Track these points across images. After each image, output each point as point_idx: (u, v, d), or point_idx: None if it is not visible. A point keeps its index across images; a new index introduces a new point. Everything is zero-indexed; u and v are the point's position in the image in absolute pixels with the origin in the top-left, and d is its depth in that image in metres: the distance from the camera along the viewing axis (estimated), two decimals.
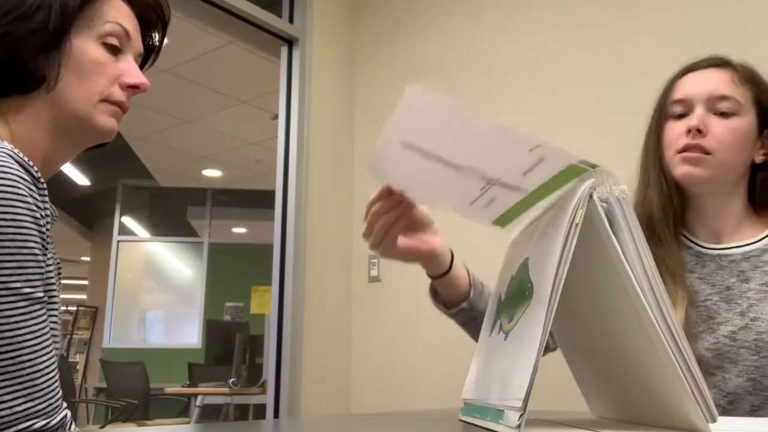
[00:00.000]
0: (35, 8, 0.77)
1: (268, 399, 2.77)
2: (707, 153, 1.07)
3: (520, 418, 0.57)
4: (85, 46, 0.80)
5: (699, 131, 1.06)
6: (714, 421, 0.61)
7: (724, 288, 1.08)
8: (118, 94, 0.83)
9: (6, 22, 0.76)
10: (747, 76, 1.11)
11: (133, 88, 0.84)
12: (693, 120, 1.07)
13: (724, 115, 1.08)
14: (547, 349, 1.17)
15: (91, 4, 0.81)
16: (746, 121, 1.09)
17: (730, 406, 1.02)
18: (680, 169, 1.09)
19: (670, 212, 1.12)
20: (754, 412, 1.01)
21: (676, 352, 0.60)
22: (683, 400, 0.60)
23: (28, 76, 0.77)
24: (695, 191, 1.13)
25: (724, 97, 1.08)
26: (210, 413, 4.92)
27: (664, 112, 1.14)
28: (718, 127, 1.07)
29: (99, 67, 0.81)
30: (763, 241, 1.10)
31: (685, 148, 1.08)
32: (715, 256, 1.12)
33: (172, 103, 5.07)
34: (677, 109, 1.12)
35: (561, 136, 2.43)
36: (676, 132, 1.10)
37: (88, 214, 8.50)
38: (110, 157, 6.25)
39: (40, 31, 0.77)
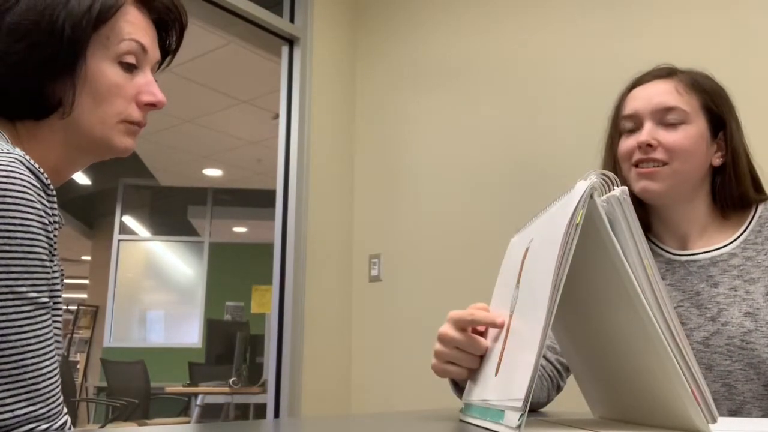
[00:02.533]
0: (48, 34, 0.75)
1: (269, 398, 2.77)
2: (660, 164, 1.09)
3: (520, 418, 0.57)
4: (101, 68, 0.78)
5: (649, 145, 1.09)
6: (714, 421, 0.61)
7: (694, 294, 1.09)
8: (136, 114, 0.82)
9: (19, 49, 0.74)
10: (692, 83, 1.13)
11: (150, 106, 0.83)
12: (642, 136, 1.10)
13: (672, 125, 1.09)
14: (568, 370, 1.17)
15: (106, 23, 0.79)
16: (696, 128, 1.10)
17: None
18: (638, 185, 1.11)
19: None
20: (732, 417, 1.01)
21: (676, 352, 0.60)
22: (683, 400, 0.60)
23: (43, 102, 0.76)
24: (656, 203, 1.14)
25: (670, 109, 1.10)
26: (210, 412, 4.93)
27: (616, 129, 1.17)
28: (668, 138, 1.09)
29: (115, 89, 0.79)
30: (730, 246, 1.11)
31: (638, 163, 1.10)
32: (684, 262, 1.13)
33: (173, 102, 5.07)
34: (627, 124, 1.14)
35: (561, 135, 2.43)
36: (627, 147, 1.13)
37: (89, 213, 8.51)
38: None
39: (53, 57, 0.75)
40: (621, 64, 2.36)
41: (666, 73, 1.15)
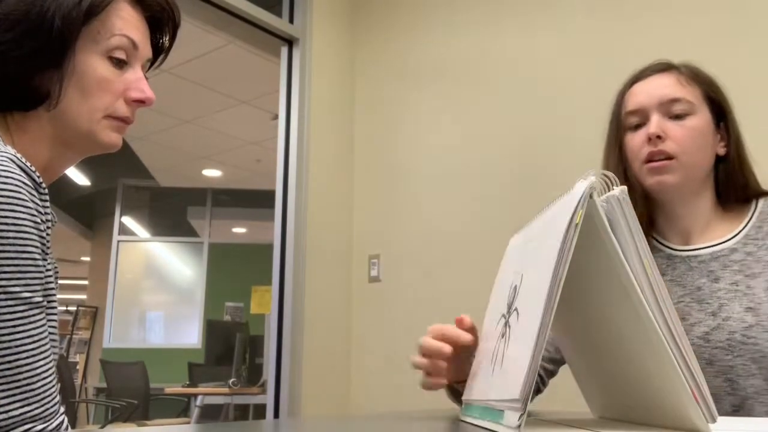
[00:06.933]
0: (37, 26, 0.75)
1: (268, 399, 2.77)
2: (671, 158, 1.09)
3: (520, 418, 0.57)
4: (90, 62, 0.78)
5: (659, 137, 1.08)
6: (714, 421, 0.61)
7: (695, 288, 1.09)
8: (123, 110, 0.81)
9: (7, 39, 0.74)
10: (692, 75, 1.14)
11: (138, 102, 0.82)
12: (651, 128, 1.09)
13: (679, 117, 1.10)
14: (558, 363, 1.17)
15: (97, 16, 0.78)
16: (701, 119, 1.11)
17: None
18: (650, 180, 1.10)
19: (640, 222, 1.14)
20: (735, 412, 1.01)
21: (676, 352, 0.60)
22: (683, 400, 0.60)
23: (30, 93, 0.76)
24: (666, 198, 1.14)
25: (675, 100, 1.10)
26: (210, 413, 4.92)
27: (620, 125, 1.17)
28: (676, 130, 1.09)
29: (104, 84, 0.79)
30: (731, 241, 1.11)
31: (650, 157, 1.10)
32: (685, 257, 1.13)
33: (172, 103, 5.07)
34: (633, 120, 1.14)
35: (561, 134, 2.43)
36: (636, 142, 1.12)
37: (88, 214, 8.50)
38: (110, 157, 6.16)
39: (42, 48, 0.75)
40: (621, 62, 2.35)
41: (665, 66, 1.16)
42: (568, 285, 0.59)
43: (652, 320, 0.60)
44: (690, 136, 1.08)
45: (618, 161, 1.16)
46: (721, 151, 1.13)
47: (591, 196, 0.60)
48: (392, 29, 3.08)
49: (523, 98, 2.57)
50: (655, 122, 1.09)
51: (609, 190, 0.63)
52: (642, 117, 1.12)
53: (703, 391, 0.61)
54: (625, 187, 0.62)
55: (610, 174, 0.63)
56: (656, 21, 2.25)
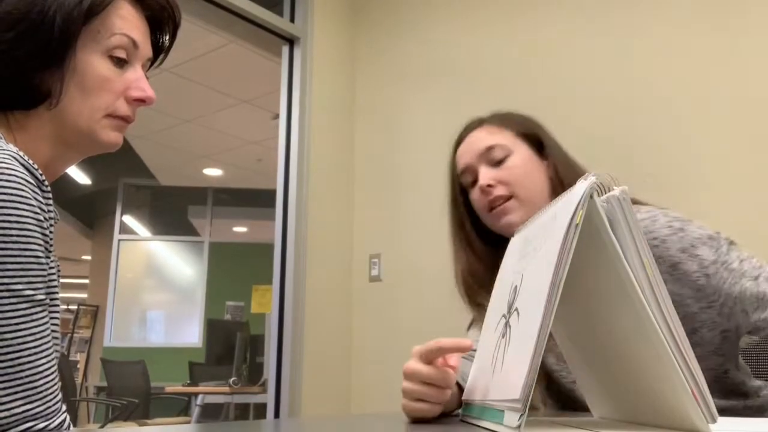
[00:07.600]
0: (38, 24, 0.75)
1: (269, 398, 2.77)
2: (509, 198, 1.17)
3: (520, 418, 0.57)
4: (91, 61, 0.79)
5: (490, 186, 1.18)
6: (714, 421, 0.61)
7: None
8: (124, 109, 0.82)
9: (8, 38, 0.75)
10: (499, 121, 1.25)
11: (139, 101, 0.83)
12: (480, 180, 1.20)
13: (500, 162, 1.20)
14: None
15: (97, 15, 0.79)
16: (521, 155, 1.21)
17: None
18: (499, 224, 1.19)
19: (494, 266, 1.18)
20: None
21: (676, 352, 0.60)
22: (683, 400, 0.60)
23: (31, 92, 0.76)
24: None
25: (490, 148, 1.21)
26: (210, 412, 4.93)
27: (460, 186, 1.28)
28: (501, 174, 1.19)
29: (104, 83, 0.79)
30: None
31: (490, 205, 1.19)
32: None
33: (173, 102, 5.08)
34: (467, 178, 1.25)
35: (562, 133, 2.43)
36: (476, 197, 1.23)
37: (89, 212, 8.51)
38: (111, 156, 6.14)
39: (43, 48, 0.75)
40: (623, 61, 2.36)
41: (476, 123, 1.27)
42: (568, 285, 0.59)
43: (652, 320, 0.60)
44: (515, 174, 1.18)
45: (468, 218, 1.27)
46: (552, 174, 1.22)
47: (591, 197, 0.60)
48: (393, 28, 3.08)
49: (524, 96, 2.57)
50: (483, 174, 1.20)
51: (609, 190, 0.63)
52: (472, 174, 1.23)
53: (703, 391, 0.61)
54: (626, 187, 0.62)
55: (611, 174, 0.63)
56: (658, 21, 2.25)
